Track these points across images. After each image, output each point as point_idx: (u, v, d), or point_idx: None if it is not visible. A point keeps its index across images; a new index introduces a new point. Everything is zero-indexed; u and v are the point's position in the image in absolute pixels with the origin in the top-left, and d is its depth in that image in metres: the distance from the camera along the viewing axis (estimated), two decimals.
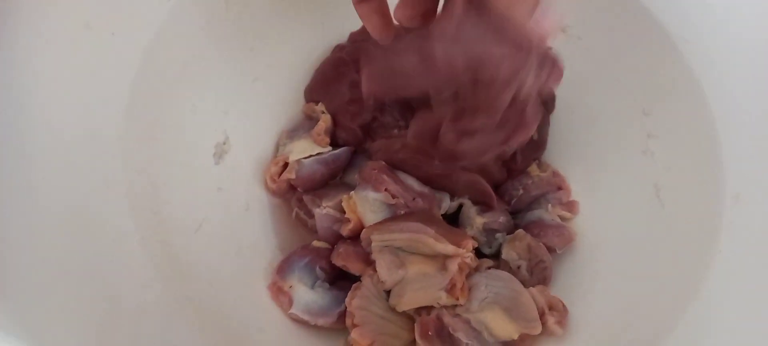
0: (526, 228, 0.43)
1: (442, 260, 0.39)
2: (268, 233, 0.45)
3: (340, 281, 0.42)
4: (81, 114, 0.36)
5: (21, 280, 0.30)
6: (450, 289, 0.37)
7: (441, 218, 0.42)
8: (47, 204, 0.33)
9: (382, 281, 0.39)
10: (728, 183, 0.35)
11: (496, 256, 0.43)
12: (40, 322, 0.30)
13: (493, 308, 0.38)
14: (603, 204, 0.43)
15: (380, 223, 0.40)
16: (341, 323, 0.40)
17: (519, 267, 0.41)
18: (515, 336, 0.37)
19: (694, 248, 0.36)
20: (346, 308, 0.40)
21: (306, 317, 0.41)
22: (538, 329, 0.38)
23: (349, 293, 0.40)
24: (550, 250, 0.42)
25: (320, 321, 0.41)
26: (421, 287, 0.38)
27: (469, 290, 0.39)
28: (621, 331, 0.37)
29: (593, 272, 0.41)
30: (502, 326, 0.38)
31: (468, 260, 0.38)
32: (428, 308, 0.39)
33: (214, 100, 0.44)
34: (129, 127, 0.38)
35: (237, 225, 0.43)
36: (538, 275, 0.41)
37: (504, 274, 0.40)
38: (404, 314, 0.40)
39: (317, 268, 0.42)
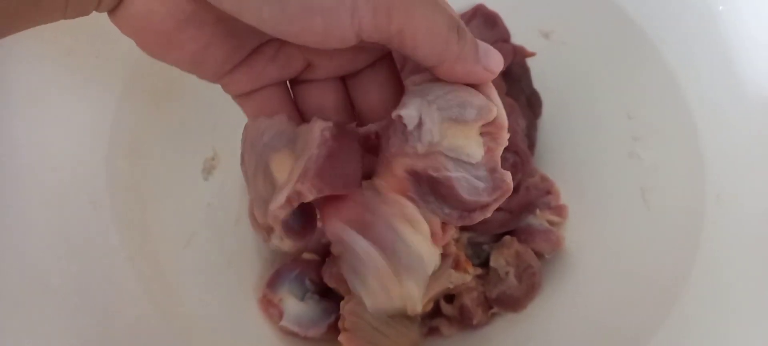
0: (514, 234, 0.43)
1: None
2: (258, 247, 0.45)
3: (330, 292, 0.42)
4: (67, 134, 0.36)
5: (8, 298, 0.31)
6: (456, 266, 0.39)
7: None
8: (34, 223, 0.33)
9: None
10: (709, 183, 0.35)
11: (484, 264, 0.43)
12: (27, 340, 0.31)
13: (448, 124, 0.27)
14: (591, 208, 0.43)
15: None
16: (332, 334, 0.41)
17: (507, 274, 0.41)
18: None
19: (678, 247, 0.36)
20: (336, 319, 0.40)
21: (296, 329, 0.41)
22: (493, 112, 0.26)
23: (346, 297, 0.40)
24: (539, 255, 0.42)
25: (310, 332, 0.41)
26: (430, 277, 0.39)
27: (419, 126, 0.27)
28: (609, 330, 0.37)
29: (582, 276, 0.41)
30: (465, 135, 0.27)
31: (455, 236, 0.40)
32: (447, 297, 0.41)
33: (202, 115, 0.44)
34: (115, 145, 0.38)
35: (226, 239, 0.44)
36: (526, 280, 0.41)
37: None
38: (399, 329, 0.40)
39: (307, 280, 0.42)
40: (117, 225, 0.37)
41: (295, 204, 0.26)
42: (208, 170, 0.44)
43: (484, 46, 0.26)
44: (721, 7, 0.36)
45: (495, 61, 0.26)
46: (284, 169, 0.27)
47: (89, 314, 0.34)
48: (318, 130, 0.26)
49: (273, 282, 0.42)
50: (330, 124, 0.27)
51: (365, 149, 0.29)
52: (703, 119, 0.37)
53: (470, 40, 0.25)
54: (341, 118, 0.30)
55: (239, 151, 0.45)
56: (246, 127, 0.30)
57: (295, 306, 0.41)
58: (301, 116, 0.30)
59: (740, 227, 0.33)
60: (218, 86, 0.45)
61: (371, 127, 0.29)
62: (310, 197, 0.25)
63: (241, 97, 0.30)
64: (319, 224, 0.30)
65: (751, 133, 0.35)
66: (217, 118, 0.45)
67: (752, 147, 0.35)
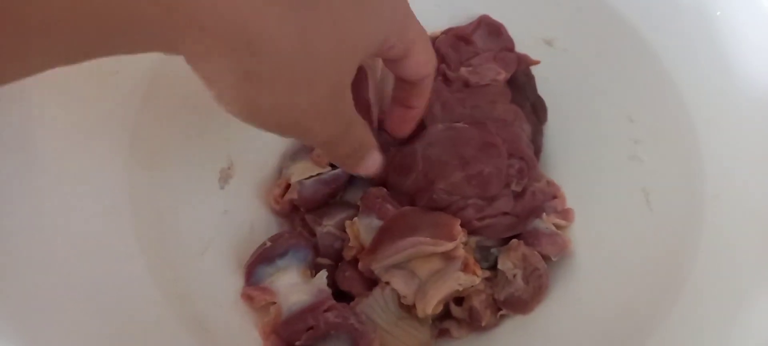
0: (521, 237, 0.44)
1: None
2: None
3: (341, 298, 0.44)
4: (87, 144, 0.38)
5: (30, 303, 0.32)
6: (464, 269, 0.40)
7: (422, 209, 0.43)
8: (55, 231, 0.35)
9: (403, 296, 0.41)
10: (708, 183, 0.36)
11: (492, 267, 0.44)
12: (49, 342, 0.32)
13: None
14: (595, 210, 0.44)
15: (375, 249, 0.41)
16: None
17: (515, 276, 0.42)
18: None
19: (679, 247, 0.36)
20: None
21: None
22: None
23: (356, 299, 0.41)
24: (545, 258, 0.43)
25: None
26: (438, 280, 0.40)
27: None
28: (613, 328, 0.37)
29: (587, 277, 0.42)
30: None
31: (464, 240, 0.41)
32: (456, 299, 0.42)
33: (218, 127, 0.46)
34: (134, 156, 0.40)
35: (242, 246, 0.45)
36: (534, 283, 0.42)
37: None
38: (409, 330, 0.42)
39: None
40: (136, 232, 0.38)
41: None
42: (225, 179, 0.46)
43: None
44: (718, 13, 0.37)
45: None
46: None
47: (109, 318, 0.35)
48: None
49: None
50: None
51: None
52: (702, 121, 0.37)
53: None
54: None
55: (254, 161, 0.47)
56: None
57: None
58: None
59: (737, 226, 0.34)
60: None
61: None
62: None
63: None
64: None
65: (748, 134, 0.36)
66: (232, 129, 0.46)
67: (749, 147, 0.35)
